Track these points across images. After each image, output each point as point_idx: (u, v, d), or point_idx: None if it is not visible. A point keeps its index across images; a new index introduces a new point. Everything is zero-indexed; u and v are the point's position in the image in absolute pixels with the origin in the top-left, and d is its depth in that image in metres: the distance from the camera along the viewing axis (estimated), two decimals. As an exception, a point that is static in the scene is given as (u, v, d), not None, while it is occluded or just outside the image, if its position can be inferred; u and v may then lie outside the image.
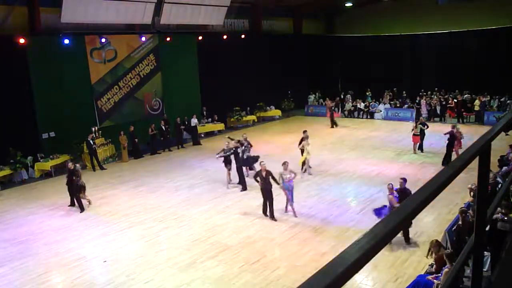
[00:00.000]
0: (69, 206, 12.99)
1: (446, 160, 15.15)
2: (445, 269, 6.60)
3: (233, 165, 13.94)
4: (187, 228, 11.06)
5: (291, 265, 8.96)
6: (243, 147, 14.35)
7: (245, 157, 14.44)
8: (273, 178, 11.19)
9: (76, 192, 12.68)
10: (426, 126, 17.33)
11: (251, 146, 15.05)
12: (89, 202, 12.91)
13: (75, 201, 12.75)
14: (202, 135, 22.34)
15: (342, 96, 28.55)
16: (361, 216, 11.14)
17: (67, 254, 9.88)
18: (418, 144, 17.34)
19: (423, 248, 9.21)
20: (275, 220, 11.19)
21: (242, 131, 19.43)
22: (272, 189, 11.17)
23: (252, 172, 14.84)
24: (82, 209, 12.62)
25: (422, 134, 17.31)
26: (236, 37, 24.47)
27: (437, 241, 7.77)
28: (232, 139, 15.04)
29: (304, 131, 15.43)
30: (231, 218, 11.60)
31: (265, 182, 11.16)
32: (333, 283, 0.89)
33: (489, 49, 23.93)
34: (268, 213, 11.33)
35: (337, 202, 12.39)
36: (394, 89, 27.15)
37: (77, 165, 13.24)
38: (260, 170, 11.38)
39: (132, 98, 20.67)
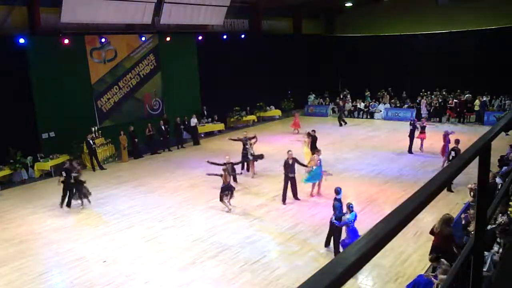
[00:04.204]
0: (69, 206, 13.00)
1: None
2: (439, 271, 6.61)
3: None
4: (187, 228, 11.07)
5: (291, 265, 8.96)
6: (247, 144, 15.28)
7: (250, 154, 15.24)
8: (300, 163, 12.60)
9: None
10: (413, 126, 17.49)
11: (255, 139, 15.75)
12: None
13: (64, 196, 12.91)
14: (202, 135, 22.34)
15: (341, 96, 28.60)
16: (361, 216, 11.09)
17: (67, 254, 9.88)
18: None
19: (423, 248, 9.21)
20: (299, 199, 12.56)
21: (242, 131, 19.42)
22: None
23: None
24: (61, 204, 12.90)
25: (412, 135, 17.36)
26: (236, 37, 24.47)
27: (446, 218, 7.58)
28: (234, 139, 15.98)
29: (313, 131, 16.46)
30: (231, 218, 11.61)
31: (291, 170, 12.34)
32: (333, 283, 0.89)
33: (489, 49, 23.93)
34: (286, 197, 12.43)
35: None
36: (389, 89, 27.14)
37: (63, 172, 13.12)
38: (287, 158, 12.42)
39: (132, 98, 20.66)
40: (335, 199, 9.47)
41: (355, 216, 8.93)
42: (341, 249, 9.08)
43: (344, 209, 9.16)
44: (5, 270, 9.30)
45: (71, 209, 12.81)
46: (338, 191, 9.56)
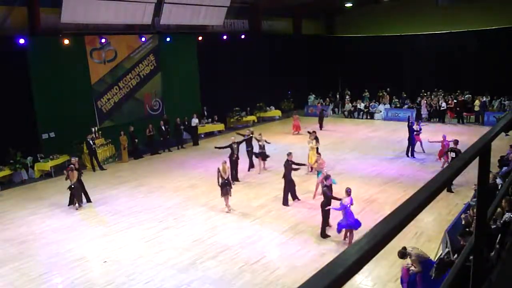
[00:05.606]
0: (68, 205, 13.03)
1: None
2: (412, 261, 7.12)
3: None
4: (187, 228, 11.07)
5: (291, 265, 8.96)
6: (259, 142, 15.77)
7: (259, 151, 15.70)
8: (297, 164, 12.68)
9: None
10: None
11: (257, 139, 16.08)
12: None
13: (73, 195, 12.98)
14: (202, 136, 22.33)
15: (338, 96, 28.62)
16: (361, 216, 11.10)
17: (67, 254, 9.88)
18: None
19: (423, 248, 9.20)
20: (297, 199, 12.53)
21: (242, 131, 19.35)
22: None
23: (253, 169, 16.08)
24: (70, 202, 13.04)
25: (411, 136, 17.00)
26: (236, 37, 24.48)
27: None
28: (241, 135, 16.35)
29: (314, 131, 16.50)
30: (231, 218, 11.61)
31: (289, 170, 12.36)
32: (333, 283, 0.89)
33: (489, 49, 23.93)
34: (290, 197, 12.48)
35: (337, 202, 12.36)
36: (387, 89, 27.11)
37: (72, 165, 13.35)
38: (288, 159, 12.47)
39: (132, 99, 20.66)
40: (324, 185, 10.32)
41: (351, 200, 9.59)
42: (335, 229, 9.99)
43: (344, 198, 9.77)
44: (6, 270, 9.31)
45: (70, 209, 12.85)
46: (326, 177, 10.55)
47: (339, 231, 9.86)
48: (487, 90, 23.60)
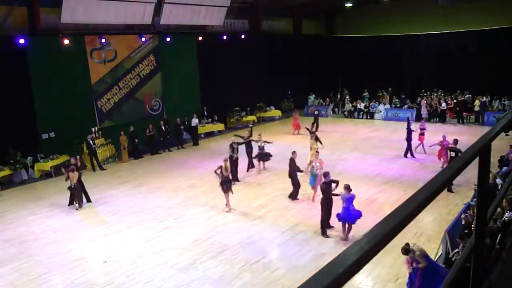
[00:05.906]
0: (68, 206, 13.03)
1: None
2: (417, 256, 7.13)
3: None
4: (187, 228, 11.07)
5: (291, 265, 8.96)
6: (259, 143, 15.71)
7: (260, 151, 15.65)
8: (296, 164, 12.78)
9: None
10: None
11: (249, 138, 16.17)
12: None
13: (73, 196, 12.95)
14: (202, 136, 22.33)
15: (339, 96, 28.63)
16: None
17: (67, 254, 9.88)
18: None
19: (423, 248, 9.19)
20: (296, 199, 12.55)
21: (242, 131, 19.39)
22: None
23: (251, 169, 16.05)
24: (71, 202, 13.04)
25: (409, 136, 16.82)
26: (236, 37, 24.47)
27: None
28: (240, 137, 16.26)
29: (314, 132, 16.71)
30: (231, 218, 11.61)
31: (294, 169, 12.52)
32: (333, 283, 0.89)
33: (489, 49, 23.93)
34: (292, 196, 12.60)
35: (337, 202, 12.36)
36: (389, 89, 27.12)
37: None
38: (292, 158, 12.59)
39: (132, 99, 20.66)
40: (323, 182, 10.39)
41: (352, 196, 9.83)
42: (335, 219, 10.23)
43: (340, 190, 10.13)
44: (6, 270, 9.31)
45: (70, 209, 12.85)
46: (325, 175, 10.54)
47: (339, 220, 10.09)
48: (487, 90, 23.59)
